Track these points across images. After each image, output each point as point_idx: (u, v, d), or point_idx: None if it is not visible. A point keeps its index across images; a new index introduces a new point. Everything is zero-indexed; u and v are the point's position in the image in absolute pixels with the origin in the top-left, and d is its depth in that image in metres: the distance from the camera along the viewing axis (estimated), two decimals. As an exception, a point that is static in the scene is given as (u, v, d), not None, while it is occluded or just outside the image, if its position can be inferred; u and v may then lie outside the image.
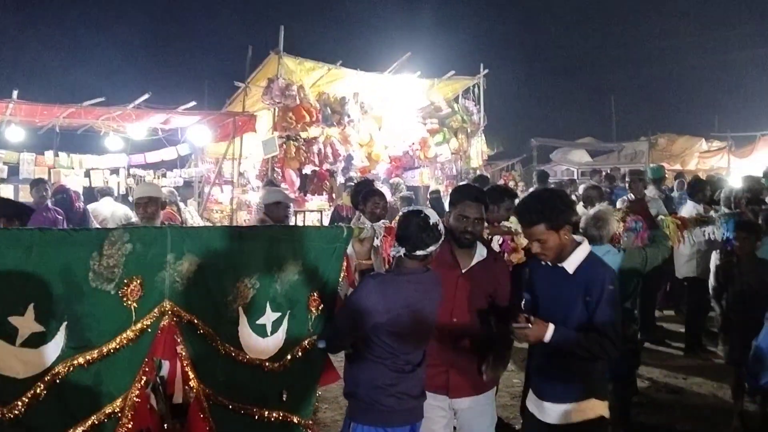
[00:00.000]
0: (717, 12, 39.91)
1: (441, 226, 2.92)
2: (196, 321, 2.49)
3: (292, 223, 9.31)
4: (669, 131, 18.60)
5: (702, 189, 7.63)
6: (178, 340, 2.45)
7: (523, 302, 3.17)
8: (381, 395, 2.89)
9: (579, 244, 2.96)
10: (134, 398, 2.38)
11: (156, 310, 2.42)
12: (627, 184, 9.01)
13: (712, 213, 6.23)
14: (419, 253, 2.87)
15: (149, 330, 2.40)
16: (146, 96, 10.43)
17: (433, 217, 2.90)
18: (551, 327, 2.80)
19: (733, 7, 40.80)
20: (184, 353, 2.46)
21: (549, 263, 2.97)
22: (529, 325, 2.81)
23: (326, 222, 9.88)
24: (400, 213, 3.04)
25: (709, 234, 5.94)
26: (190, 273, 2.48)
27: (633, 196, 7.73)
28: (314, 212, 11.17)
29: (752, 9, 40.83)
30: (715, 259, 5.95)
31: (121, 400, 2.37)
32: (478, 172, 14.59)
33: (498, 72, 16.35)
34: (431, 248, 2.88)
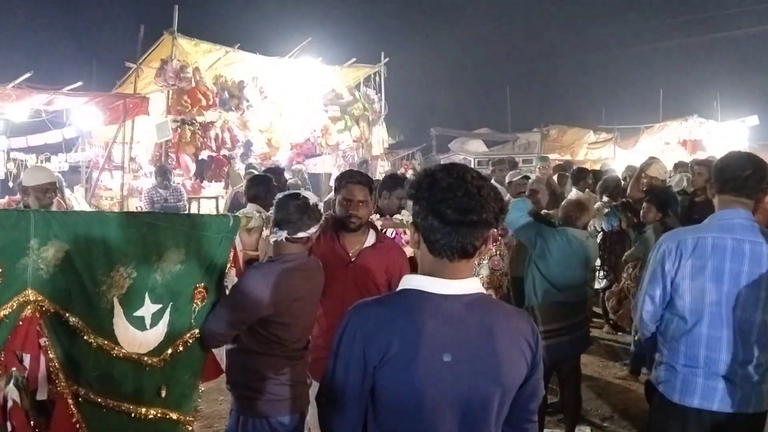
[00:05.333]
0: (605, 10, 42.01)
1: (321, 207, 2.89)
2: (63, 312, 2.32)
3: (186, 210, 9.17)
4: (560, 123, 19.45)
5: (584, 178, 8.01)
6: (43, 332, 2.29)
7: None
8: (270, 385, 2.85)
9: None
10: None
11: (16, 299, 2.23)
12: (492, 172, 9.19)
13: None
14: (301, 235, 2.82)
15: (6, 321, 2.21)
16: (28, 75, 9.74)
17: (313, 198, 2.87)
18: None
19: (620, 7, 43.09)
20: (49, 346, 2.30)
21: None
22: None
23: (223, 210, 9.65)
24: (276, 198, 2.96)
25: (591, 226, 6.26)
26: (57, 260, 2.30)
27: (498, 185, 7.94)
28: (211, 199, 10.87)
29: (637, 9, 43.29)
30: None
31: None
32: (380, 161, 14.73)
33: (399, 61, 16.49)
34: (313, 229, 2.85)
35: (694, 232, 2.78)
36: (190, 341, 2.79)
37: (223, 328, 2.79)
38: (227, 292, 2.95)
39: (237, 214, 3.22)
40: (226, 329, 2.80)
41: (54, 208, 4.63)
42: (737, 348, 2.70)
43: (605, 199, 7.24)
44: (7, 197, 9.87)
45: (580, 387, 4.88)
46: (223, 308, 2.80)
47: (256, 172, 7.20)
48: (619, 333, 7.21)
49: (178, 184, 9.71)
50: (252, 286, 2.75)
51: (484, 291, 1.78)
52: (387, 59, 14.47)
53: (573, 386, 4.74)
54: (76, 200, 8.63)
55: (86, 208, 8.91)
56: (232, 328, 2.81)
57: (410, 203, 1.79)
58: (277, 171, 6.27)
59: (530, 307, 4.49)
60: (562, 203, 4.73)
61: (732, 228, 2.72)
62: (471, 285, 1.73)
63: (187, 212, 9.02)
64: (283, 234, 2.82)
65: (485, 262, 4.60)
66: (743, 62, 33.32)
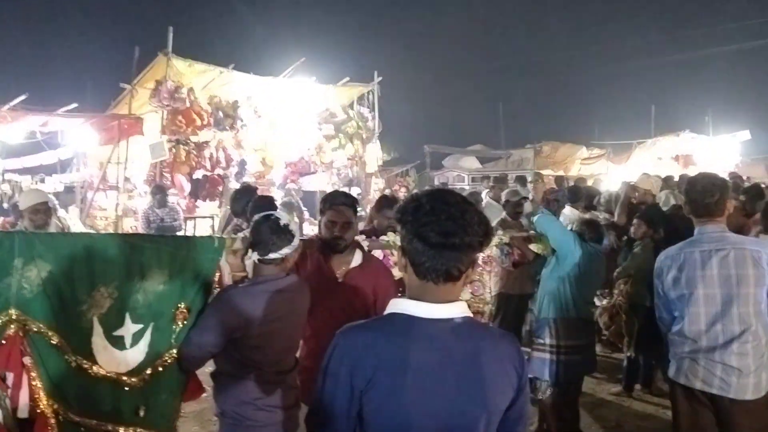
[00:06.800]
0: (597, 28, 42.45)
1: (294, 228, 2.88)
2: (46, 331, 2.34)
3: (182, 229, 9.18)
4: (553, 139, 19.56)
5: (580, 196, 8.07)
6: (26, 352, 2.31)
7: None
8: (248, 410, 2.81)
9: None
10: None
11: (0, 318, 2.26)
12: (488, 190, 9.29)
13: None
14: (272, 256, 2.81)
15: None
16: (23, 97, 9.80)
17: (285, 219, 2.87)
18: None
19: (612, 24, 43.54)
20: (31, 365, 2.32)
21: None
22: None
23: (218, 228, 9.67)
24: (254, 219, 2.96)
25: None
26: (40, 280, 2.33)
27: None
28: (206, 218, 10.88)
29: (629, 26, 43.74)
30: None
31: None
32: (374, 178, 14.79)
33: (392, 79, 16.63)
34: (284, 251, 2.82)
35: (673, 251, 3.38)
36: (169, 361, 2.79)
37: (194, 350, 2.78)
38: None
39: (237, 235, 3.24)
40: (197, 352, 2.79)
41: (52, 228, 4.64)
42: (717, 338, 3.19)
43: (602, 217, 7.30)
44: (1, 219, 9.89)
45: (579, 406, 4.90)
46: (193, 331, 2.80)
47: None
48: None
49: (174, 203, 9.73)
50: (218, 309, 2.75)
51: (471, 315, 1.79)
52: (380, 78, 14.60)
53: (572, 404, 4.75)
54: (71, 221, 8.62)
55: (81, 228, 8.92)
56: (203, 351, 2.80)
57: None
58: (249, 190, 6.29)
59: (553, 319, 4.46)
60: (579, 220, 4.79)
61: (701, 242, 3.29)
62: (458, 309, 1.74)
63: (180, 233, 9.05)
64: (255, 255, 2.82)
65: (467, 286, 4.63)
66: (735, 78, 33.64)
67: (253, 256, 2.83)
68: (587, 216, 4.86)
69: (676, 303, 3.34)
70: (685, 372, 3.29)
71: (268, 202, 5.47)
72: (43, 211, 4.72)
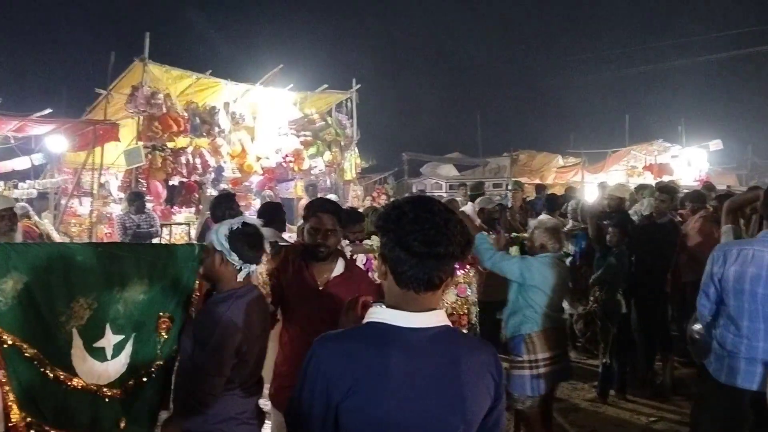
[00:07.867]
0: (573, 39, 42.99)
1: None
2: (20, 343, 2.31)
3: (159, 236, 9.09)
4: (529, 148, 19.74)
5: (558, 205, 8.20)
6: (1, 365, 2.28)
7: None
8: (232, 426, 2.76)
9: None
10: None
11: None
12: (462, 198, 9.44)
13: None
14: (254, 267, 2.80)
15: None
16: (-4, 102, 9.70)
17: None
18: None
19: (587, 35, 44.15)
20: (5, 380, 2.28)
21: None
22: None
23: (195, 235, 9.59)
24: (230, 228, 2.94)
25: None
26: (16, 292, 2.30)
27: None
28: (182, 225, 10.78)
29: (604, 37, 44.37)
30: None
31: None
32: (352, 186, 14.80)
33: (370, 87, 16.67)
34: (263, 259, 2.85)
35: (740, 245, 3.40)
36: (154, 372, 2.76)
37: (219, 386, 2.64)
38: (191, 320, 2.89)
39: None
40: (221, 387, 2.66)
41: (18, 233, 4.58)
42: None
43: (572, 223, 7.39)
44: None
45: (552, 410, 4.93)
46: (209, 369, 2.62)
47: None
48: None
49: (149, 209, 9.65)
50: (222, 334, 2.63)
51: (450, 323, 1.79)
52: (359, 85, 14.63)
53: (547, 409, 4.78)
54: (48, 226, 8.49)
55: (55, 235, 8.79)
56: (224, 374, 2.66)
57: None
58: (229, 197, 6.25)
59: (527, 335, 4.41)
60: (536, 231, 4.66)
61: None
62: (436, 317, 1.74)
63: (158, 239, 8.96)
64: (252, 267, 2.76)
65: (452, 288, 4.60)
66: (708, 88, 34.25)
67: (250, 267, 2.78)
68: (551, 224, 4.75)
69: (731, 297, 3.33)
70: (742, 374, 3.27)
71: (275, 209, 5.37)
72: (8, 217, 4.65)
